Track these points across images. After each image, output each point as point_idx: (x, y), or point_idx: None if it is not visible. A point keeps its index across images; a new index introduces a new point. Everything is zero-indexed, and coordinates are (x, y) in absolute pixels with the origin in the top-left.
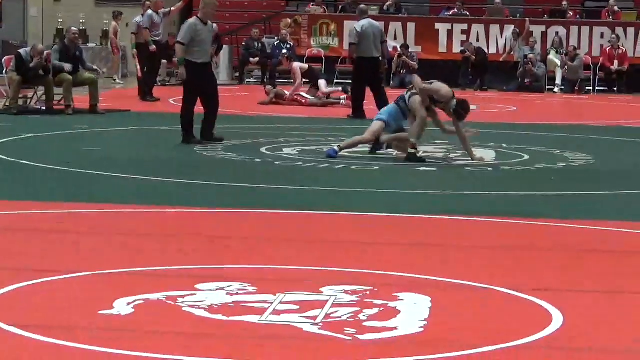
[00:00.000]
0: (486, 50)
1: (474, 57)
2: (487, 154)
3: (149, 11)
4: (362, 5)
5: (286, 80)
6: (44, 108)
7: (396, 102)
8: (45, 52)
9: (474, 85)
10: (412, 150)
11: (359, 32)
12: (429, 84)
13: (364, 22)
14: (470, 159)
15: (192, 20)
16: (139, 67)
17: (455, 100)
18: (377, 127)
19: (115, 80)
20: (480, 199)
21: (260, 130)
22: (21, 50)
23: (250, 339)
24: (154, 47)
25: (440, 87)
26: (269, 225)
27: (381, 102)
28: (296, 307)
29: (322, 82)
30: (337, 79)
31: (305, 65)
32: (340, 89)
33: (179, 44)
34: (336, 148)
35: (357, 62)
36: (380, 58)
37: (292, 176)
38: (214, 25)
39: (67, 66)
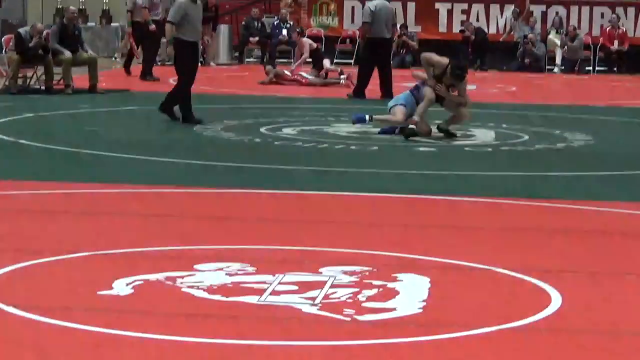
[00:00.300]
0: (486, 30)
1: (473, 37)
2: (486, 134)
3: None
4: None
5: (286, 60)
6: (44, 87)
7: (411, 91)
8: (44, 32)
9: (473, 65)
10: (412, 126)
11: (373, 11)
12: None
13: (378, 2)
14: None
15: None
16: (134, 45)
17: (450, 65)
18: (401, 111)
19: (115, 59)
20: (480, 179)
21: (260, 110)
22: (20, 30)
23: (249, 319)
24: (154, 26)
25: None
26: (268, 205)
27: (387, 83)
28: (295, 287)
29: (326, 61)
30: (336, 59)
31: (315, 44)
32: (338, 69)
33: (169, 23)
34: (367, 117)
35: (368, 43)
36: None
37: (292, 156)
38: None
39: (67, 53)
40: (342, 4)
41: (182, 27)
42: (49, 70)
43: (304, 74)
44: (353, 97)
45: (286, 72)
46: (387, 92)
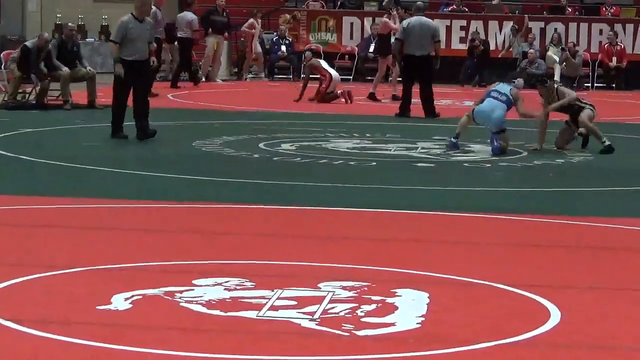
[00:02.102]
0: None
1: (481, 47)
2: (486, 150)
3: (153, 7)
4: (419, 2)
5: (284, 76)
6: (36, 102)
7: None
8: (50, 43)
9: (472, 81)
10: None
11: (405, 28)
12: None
13: (413, 19)
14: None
15: (125, 18)
16: None
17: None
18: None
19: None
20: (479, 195)
21: (258, 126)
22: (27, 43)
23: (248, 334)
24: (155, 45)
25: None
26: (267, 220)
27: (427, 101)
28: (294, 302)
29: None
30: None
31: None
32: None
33: (111, 42)
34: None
35: (402, 60)
36: (432, 55)
37: (290, 172)
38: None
39: (65, 68)
40: (341, 20)
41: (122, 45)
42: (44, 86)
43: (333, 75)
44: (399, 116)
45: (322, 62)
46: (427, 111)
